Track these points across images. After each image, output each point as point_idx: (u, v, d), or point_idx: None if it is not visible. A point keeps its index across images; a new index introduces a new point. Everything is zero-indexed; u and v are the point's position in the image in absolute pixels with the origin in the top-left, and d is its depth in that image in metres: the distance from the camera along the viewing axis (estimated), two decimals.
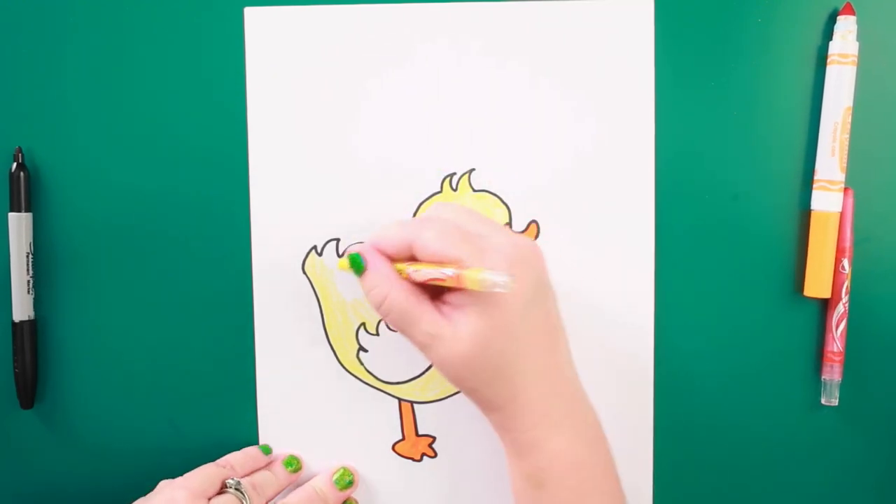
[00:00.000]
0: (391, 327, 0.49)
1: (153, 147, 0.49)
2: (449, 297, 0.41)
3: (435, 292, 0.42)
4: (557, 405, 0.41)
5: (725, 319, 0.50)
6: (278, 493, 0.48)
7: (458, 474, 0.50)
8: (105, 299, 0.50)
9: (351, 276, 0.43)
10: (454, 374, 0.41)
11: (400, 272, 0.41)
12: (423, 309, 0.41)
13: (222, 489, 0.46)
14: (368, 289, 0.42)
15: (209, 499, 0.45)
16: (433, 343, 0.40)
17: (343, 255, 0.49)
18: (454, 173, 0.49)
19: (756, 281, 0.50)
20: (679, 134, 0.49)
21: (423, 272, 0.40)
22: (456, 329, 0.40)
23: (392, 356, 0.50)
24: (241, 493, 0.45)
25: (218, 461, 0.48)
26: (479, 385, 0.41)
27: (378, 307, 0.42)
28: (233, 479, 0.46)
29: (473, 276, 0.37)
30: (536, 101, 0.49)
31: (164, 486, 0.45)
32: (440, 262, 0.39)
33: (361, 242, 0.46)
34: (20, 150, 0.49)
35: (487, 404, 0.42)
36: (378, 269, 0.41)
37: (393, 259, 0.42)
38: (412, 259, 0.41)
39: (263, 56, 0.49)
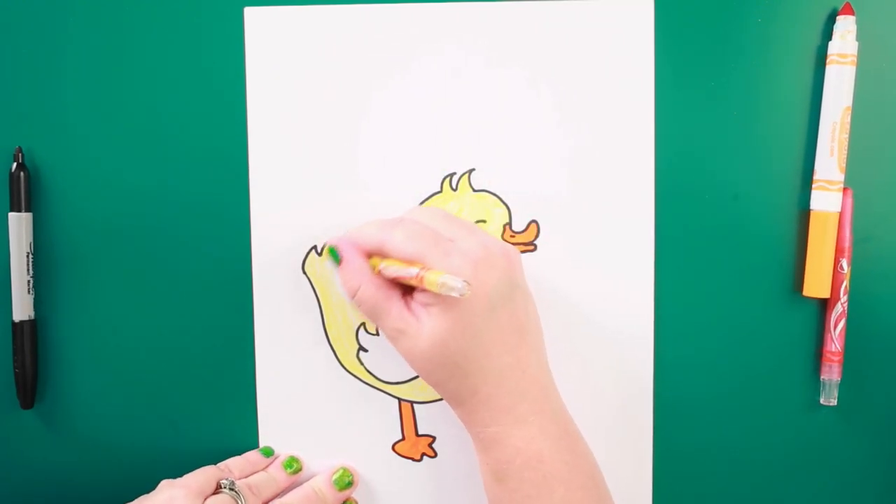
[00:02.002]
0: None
1: (153, 147, 0.49)
2: (418, 295, 0.43)
3: (407, 288, 0.44)
4: (520, 401, 0.43)
5: (725, 319, 0.50)
6: (276, 493, 0.48)
7: (458, 474, 0.50)
8: (105, 299, 0.50)
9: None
10: (418, 368, 0.44)
11: (373, 267, 0.44)
12: (391, 303, 0.43)
13: (217, 489, 0.46)
14: (343, 281, 0.45)
15: (206, 498, 0.45)
16: (399, 337, 0.43)
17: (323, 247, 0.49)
18: (454, 173, 0.49)
19: (755, 281, 0.50)
20: (679, 134, 0.49)
21: (392, 269, 0.42)
22: (420, 326, 0.42)
23: (392, 356, 0.49)
24: (236, 492, 0.45)
25: (218, 464, 0.48)
26: (441, 380, 0.43)
27: (351, 298, 0.44)
28: (227, 479, 0.46)
29: (433, 279, 0.40)
30: (536, 100, 0.49)
31: (165, 485, 0.46)
32: (409, 262, 0.42)
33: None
34: (20, 150, 0.49)
35: (451, 398, 0.44)
36: (352, 262, 0.44)
37: (368, 255, 0.44)
38: (387, 256, 0.44)
39: (263, 56, 0.49)
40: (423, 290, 0.42)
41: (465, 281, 0.39)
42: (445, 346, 0.42)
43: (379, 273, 0.43)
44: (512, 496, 0.43)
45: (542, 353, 0.45)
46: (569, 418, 0.45)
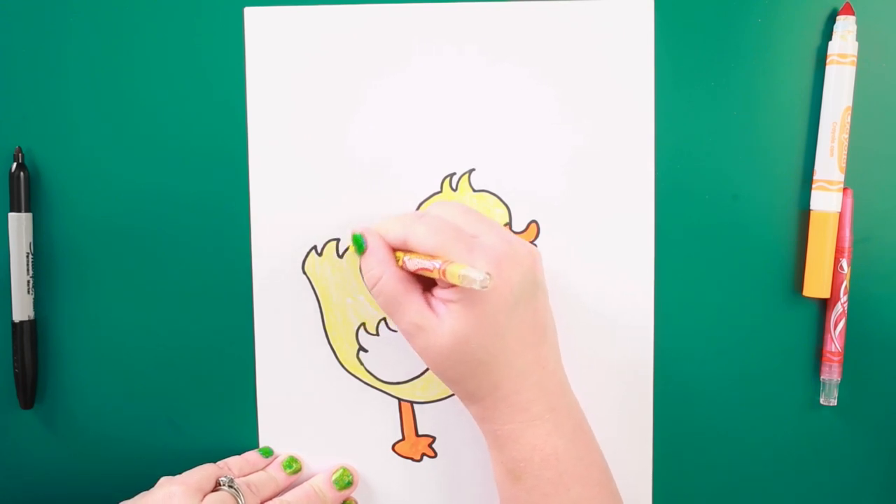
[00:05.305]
0: (390, 325, 0.50)
1: (153, 147, 0.49)
2: (439, 291, 0.43)
3: (427, 285, 0.44)
4: (539, 398, 0.43)
5: (725, 319, 0.50)
6: (276, 493, 0.48)
7: (458, 474, 0.50)
8: (105, 299, 0.50)
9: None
10: (436, 365, 0.43)
11: (397, 259, 0.43)
12: (411, 297, 0.43)
13: (216, 487, 0.46)
14: (365, 270, 0.44)
15: (205, 495, 0.45)
16: (416, 333, 0.43)
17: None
18: (454, 173, 0.49)
19: (755, 281, 0.50)
20: (679, 134, 0.49)
21: (415, 261, 0.42)
22: (440, 323, 0.42)
23: (392, 356, 0.50)
24: (235, 489, 0.45)
25: (218, 462, 0.48)
26: (460, 377, 0.43)
27: (371, 288, 0.44)
28: (226, 476, 0.46)
29: (454, 272, 0.39)
30: (536, 100, 0.49)
31: (164, 482, 0.46)
32: (431, 256, 0.42)
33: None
34: (20, 150, 0.49)
35: (468, 396, 0.44)
36: (375, 251, 0.44)
37: (393, 250, 0.44)
38: (410, 250, 0.43)
39: (263, 56, 0.49)
40: (445, 288, 0.42)
41: (486, 273, 0.39)
42: (467, 343, 0.41)
43: (402, 266, 0.43)
44: (529, 495, 0.43)
45: (559, 350, 0.45)
46: (582, 414, 0.45)
